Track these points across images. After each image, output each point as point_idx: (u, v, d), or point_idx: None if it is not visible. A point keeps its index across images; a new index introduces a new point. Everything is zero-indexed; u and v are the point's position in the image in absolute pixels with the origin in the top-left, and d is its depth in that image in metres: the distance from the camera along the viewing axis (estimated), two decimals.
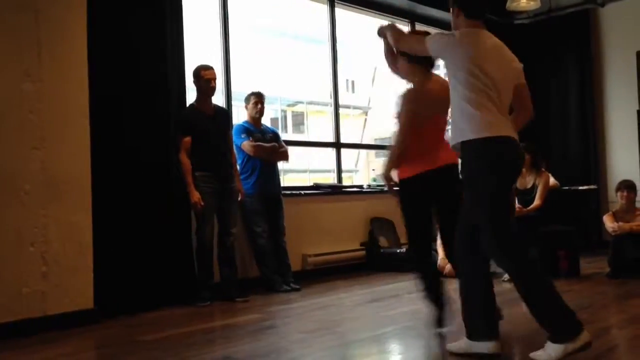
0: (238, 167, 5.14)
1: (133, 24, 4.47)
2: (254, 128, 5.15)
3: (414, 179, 3.22)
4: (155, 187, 4.48)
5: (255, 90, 5.23)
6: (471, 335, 2.88)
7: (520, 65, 2.99)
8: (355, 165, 18.95)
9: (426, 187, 3.25)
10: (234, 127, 5.23)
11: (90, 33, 4.05)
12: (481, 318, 2.86)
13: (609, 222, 5.29)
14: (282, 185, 5.44)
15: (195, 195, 4.52)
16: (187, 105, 4.77)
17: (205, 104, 4.71)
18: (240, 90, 5.64)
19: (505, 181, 2.84)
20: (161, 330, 3.70)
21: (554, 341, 2.68)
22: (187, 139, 4.56)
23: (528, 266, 2.78)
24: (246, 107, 5.24)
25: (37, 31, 3.79)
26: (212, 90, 4.72)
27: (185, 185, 4.53)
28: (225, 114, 4.91)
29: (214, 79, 4.71)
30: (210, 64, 4.77)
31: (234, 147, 5.12)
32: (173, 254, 4.54)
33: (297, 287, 5.00)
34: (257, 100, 5.17)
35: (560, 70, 7.52)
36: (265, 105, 5.24)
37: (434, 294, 3.35)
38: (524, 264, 2.77)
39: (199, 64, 4.73)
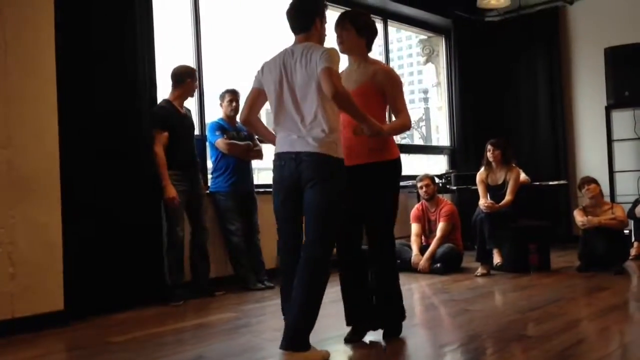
0: (211, 164, 5.13)
1: (103, 21, 4.40)
2: (228, 126, 5.12)
3: None
4: (126, 186, 4.41)
5: (230, 87, 5.20)
6: None
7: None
8: None
9: None
10: (208, 124, 5.20)
11: (59, 30, 3.97)
12: None
13: (578, 217, 5.38)
14: (255, 183, 5.42)
15: (172, 191, 4.48)
16: (161, 100, 4.75)
17: (181, 104, 4.76)
18: (212, 88, 5.59)
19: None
20: (132, 331, 3.66)
21: None
22: (165, 133, 4.54)
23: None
24: (221, 105, 5.20)
25: (3, 29, 3.70)
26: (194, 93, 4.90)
27: (160, 180, 4.48)
28: (189, 115, 4.93)
29: None
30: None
31: (208, 144, 5.10)
32: (144, 253, 4.48)
33: (271, 285, 4.98)
34: (232, 97, 5.14)
35: (529, 67, 7.60)
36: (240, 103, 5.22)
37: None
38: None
39: (183, 63, 4.85)
